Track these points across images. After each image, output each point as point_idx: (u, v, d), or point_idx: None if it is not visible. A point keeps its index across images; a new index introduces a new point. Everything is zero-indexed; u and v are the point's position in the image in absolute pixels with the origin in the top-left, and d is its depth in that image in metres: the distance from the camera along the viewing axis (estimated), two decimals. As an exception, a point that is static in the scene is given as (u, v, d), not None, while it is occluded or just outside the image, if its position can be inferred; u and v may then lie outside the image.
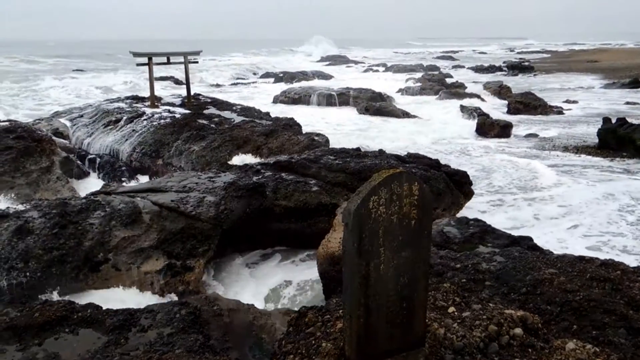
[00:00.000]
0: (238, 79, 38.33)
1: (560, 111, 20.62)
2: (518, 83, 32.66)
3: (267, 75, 40.83)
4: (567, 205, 9.41)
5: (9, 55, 55.04)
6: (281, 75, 37.26)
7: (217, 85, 33.29)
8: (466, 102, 21.45)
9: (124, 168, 11.35)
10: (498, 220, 7.74)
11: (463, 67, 50.39)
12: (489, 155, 13.57)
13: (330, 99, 22.57)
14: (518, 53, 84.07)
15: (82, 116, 13.79)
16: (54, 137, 10.74)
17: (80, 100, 22.29)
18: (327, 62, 59.69)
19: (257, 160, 9.96)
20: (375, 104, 20.42)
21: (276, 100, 24.13)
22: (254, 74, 42.30)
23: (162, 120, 12.46)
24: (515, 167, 12.18)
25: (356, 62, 60.75)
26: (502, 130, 16.01)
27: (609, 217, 8.76)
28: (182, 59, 15.27)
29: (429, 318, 2.94)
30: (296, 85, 28.53)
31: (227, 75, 39.84)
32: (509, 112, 20.39)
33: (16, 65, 46.09)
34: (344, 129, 16.99)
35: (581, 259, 4.14)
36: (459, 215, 7.62)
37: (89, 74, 35.73)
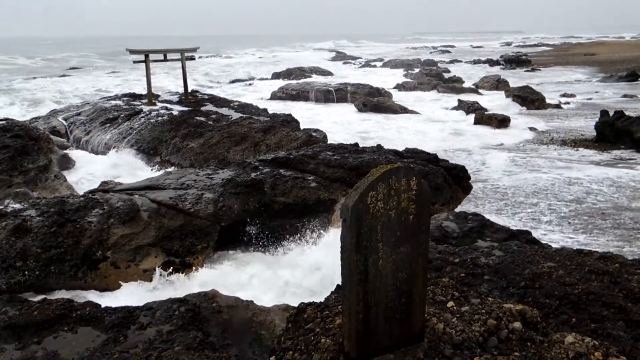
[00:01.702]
0: (237, 76, 38.16)
1: (558, 105, 20.63)
2: (515, 77, 32.64)
3: (265, 72, 40.66)
4: (504, 199, 9.23)
5: (5, 54, 54.85)
6: (279, 71, 37.15)
7: (217, 83, 33.20)
8: (464, 96, 21.46)
9: (121, 166, 11.33)
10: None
11: (460, 61, 50.38)
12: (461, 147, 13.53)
13: (328, 95, 22.54)
14: (515, 47, 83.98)
15: (79, 114, 13.76)
16: (51, 136, 10.70)
17: (79, 99, 22.23)
18: (325, 58, 59.63)
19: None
20: (373, 100, 20.40)
21: (274, 96, 24.07)
22: (253, 74, 42.12)
23: (160, 118, 12.43)
24: (468, 157, 12.12)
25: (354, 58, 60.71)
26: (500, 124, 16.02)
27: (540, 212, 8.51)
28: (179, 56, 15.26)
29: (427, 313, 2.94)
30: (294, 81, 28.48)
31: (227, 73, 39.67)
32: (507, 104, 20.40)
33: (13, 64, 45.91)
34: (342, 125, 16.96)
35: (579, 252, 4.15)
36: (457, 209, 7.61)
37: (89, 72, 35.56)
